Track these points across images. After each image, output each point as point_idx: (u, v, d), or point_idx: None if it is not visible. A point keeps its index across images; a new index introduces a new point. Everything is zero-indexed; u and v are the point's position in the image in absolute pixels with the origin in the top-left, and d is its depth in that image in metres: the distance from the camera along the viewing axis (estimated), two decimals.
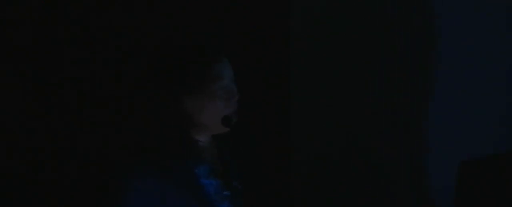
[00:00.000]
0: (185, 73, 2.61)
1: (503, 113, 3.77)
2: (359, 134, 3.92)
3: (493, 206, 2.73)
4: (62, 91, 3.60)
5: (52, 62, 3.59)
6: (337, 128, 3.94)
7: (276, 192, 3.91)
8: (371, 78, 3.89)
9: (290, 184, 3.96)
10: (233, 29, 3.81)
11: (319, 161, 3.96)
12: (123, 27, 3.67)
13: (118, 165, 2.66)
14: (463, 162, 2.83)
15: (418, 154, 3.88)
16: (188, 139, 2.65)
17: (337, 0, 3.92)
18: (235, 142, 2.78)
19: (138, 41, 3.66)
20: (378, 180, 3.91)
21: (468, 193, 2.77)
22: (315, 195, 3.96)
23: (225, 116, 2.62)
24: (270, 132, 3.91)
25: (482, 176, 2.77)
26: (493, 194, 2.73)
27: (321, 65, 3.94)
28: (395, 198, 3.90)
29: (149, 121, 2.73)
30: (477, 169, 2.79)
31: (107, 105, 3.64)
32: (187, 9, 3.74)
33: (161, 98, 2.63)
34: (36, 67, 3.56)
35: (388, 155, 3.89)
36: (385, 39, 3.87)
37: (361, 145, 3.92)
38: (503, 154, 2.85)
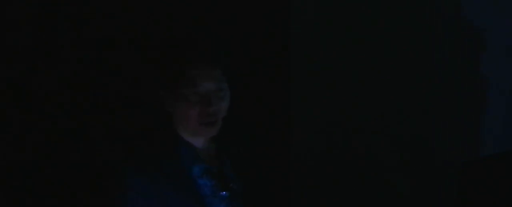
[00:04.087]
0: (162, 73, 2.61)
1: (503, 113, 3.77)
2: (359, 134, 3.92)
3: (494, 206, 2.73)
4: (60, 91, 3.60)
5: (50, 63, 3.59)
6: (337, 128, 3.94)
7: (275, 193, 3.91)
8: (371, 78, 3.89)
9: (289, 185, 3.96)
10: (233, 29, 3.81)
11: (319, 162, 3.96)
12: (122, 27, 3.66)
13: (116, 165, 2.66)
14: (463, 162, 2.83)
15: (418, 154, 3.88)
16: (175, 137, 2.65)
17: (337, 0, 3.92)
18: (234, 142, 2.78)
19: (137, 42, 3.66)
20: (378, 181, 3.91)
21: (468, 193, 2.77)
22: (315, 195, 3.96)
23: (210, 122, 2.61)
24: (270, 132, 3.91)
25: (482, 176, 2.76)
26: (494, 194, 2.73)
27: (321, 65, 3.94)
28: (395, 198, 3.90)
29: (138, 118, 2.72)
30: (477, 169, 2.79)
31: (105, 104, 3.64)
32: (187, 9, 3.74)
33: (145, 95, 2.65)
34: (34, 67, 3.56)
35: (388, 155, 3.89)
36: (385, 38, 3.87)
37: (361, 145, 3.92)
38: (503, 154, 2.85)
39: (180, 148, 2.64)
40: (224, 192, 2.67)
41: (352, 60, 3.90)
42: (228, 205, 2.67)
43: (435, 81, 3.83)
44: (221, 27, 3.78)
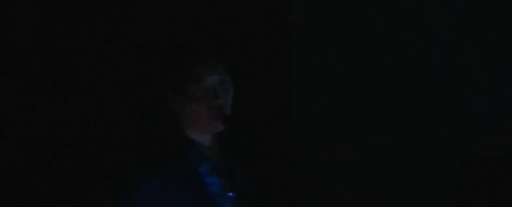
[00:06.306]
0: (166, 74, 2.61)
1: (503, 113, 3.77)
2: (359, 134, 3.92)
3: (494, 206, 2.73)
4: (63, 91, 3.60)
5: (52, 62, 3.59)
6: (337, 128, 3.94)
7: (275, 193, 3.91)
8: (371, 78, 3.89)
9: (290, 185, 3.96)
10: (233, 29, 3.81)
11: (319, 162, 3.96)
12: (123, 28, 3.67)
13: (121, 165, 2.65)
14: (463, 162, 2.83)
15: (418, 153, 3.88)
16: (182, 137, 2.64)
17: (337, 0, 3.92)
18: (237, 141, 2.78)
19: (137, 42, 3.66)
20: (378, 181, 3.91)
21: (468, 193, 2.77)
22: (315, 195, 3.96)
23: (224, 115, 2.62)
24: (270, 132, 3.91)
25: (482, 176, 2.77)
26: (494, 194, 2.73)
27: (321, 65, 3.94)
28: (395, 198, 3.90)
29: (143, 119, 2.71)
30: (477, 169, 2.79)
31: (109, 105, 3.64)
32: (187, 9, 3.74)
33: (149, 96, 2.64)
34: (36, 67, 3.56)
35: (388, 155, 3.90)
36: (385, 38, 3.87)
37: (361, 145, 3.92)
38: (503, 154, 2.85)
39: (187, 147, 2.63)
40: (230, 193, 2.67)
41: (352, 60, 3.90)
42: (234, 205, 2.67)
43: (435, 81, 3.83)
44: (221, 27, 3.78)
